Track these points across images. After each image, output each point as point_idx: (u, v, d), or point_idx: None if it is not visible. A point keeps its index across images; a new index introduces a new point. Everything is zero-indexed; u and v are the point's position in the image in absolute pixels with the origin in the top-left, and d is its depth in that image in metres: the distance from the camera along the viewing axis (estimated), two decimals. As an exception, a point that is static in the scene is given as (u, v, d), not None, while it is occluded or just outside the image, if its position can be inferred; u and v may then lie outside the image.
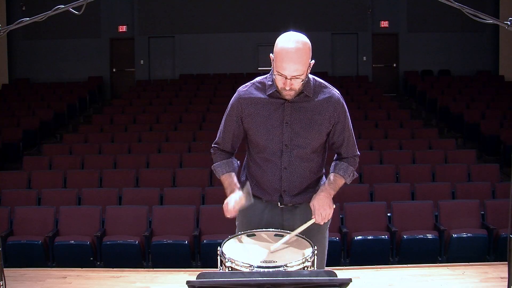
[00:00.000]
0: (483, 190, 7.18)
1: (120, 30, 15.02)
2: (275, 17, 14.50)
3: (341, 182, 2.67)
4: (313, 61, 2.49)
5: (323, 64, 14.68)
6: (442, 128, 11.48)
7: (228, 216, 2.53)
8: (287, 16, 14.52)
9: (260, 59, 14.50)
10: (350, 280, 1.96)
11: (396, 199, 6.84)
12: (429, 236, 6.17)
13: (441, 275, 4.49)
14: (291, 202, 2.66)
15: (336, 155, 2.76)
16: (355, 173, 2.72)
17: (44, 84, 14.33)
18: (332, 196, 2.59)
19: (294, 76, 2.42)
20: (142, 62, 15.07)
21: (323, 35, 14.68)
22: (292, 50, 2.39)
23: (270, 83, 2.57)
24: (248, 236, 2.55)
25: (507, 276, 2.91)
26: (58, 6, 2.67)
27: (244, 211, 2.71)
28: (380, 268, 4.84)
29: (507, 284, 2.91)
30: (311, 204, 2.56)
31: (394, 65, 15.29)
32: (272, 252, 2.39)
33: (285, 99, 2.55)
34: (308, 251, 2.36)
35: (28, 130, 10.65)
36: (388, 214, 6.49)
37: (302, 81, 2.46)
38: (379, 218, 6.43)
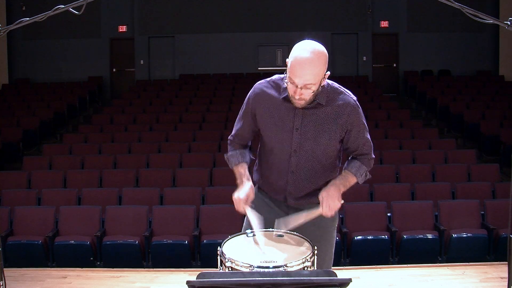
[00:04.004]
0: (483, 190, 7.18)
1: (120, 30, 15.01)
2: (275, 17, 14.50)
3: (352, 180, 2.66)
4: (328, 72, 2.46)
5: (323, 64, 14.66)
6: (442, 128, 11.48)
7: (238, 210, 2.55)
8: (287, 16, 14.53)
9: (260, 59, 14.49)
10: (350, 280, 1.96)
11: (396, 199, 6.84)
12: (429, 236, 6.17)
13: (441, 275, 4.50)
14: (295, 204, 2.67)
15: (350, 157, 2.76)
16: (368, 173, 2.71)
17: (44, 84, 14.33)
18: (342, 192, 2.59)
19: (305, 85, 2.39)
20: (142, 62, 15.06)
21: (323, 35, 14.65)
22: (305, 60, 2.36)
23: (285, 86, 2.54)
24: (248, 236, 2.55)
25: (507, 276, 2.91)
26: (58, 6, 2.67)
27: (253, 202, 2.72)
28: (380, 268, 4.85)
29: (507, 284, 2.91)
30: (319, 195, 2.53)
31: (394, 65, 15.29)
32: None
33: None
34: (308, 251, 2.36)
35: (28, 130, 10.65)
36: (388, 214, 6.49)
37: (313, 92, 2.43)
38: (379, 218, 6.43)
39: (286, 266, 2.21)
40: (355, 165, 2.66)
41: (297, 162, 2.59)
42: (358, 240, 6.09)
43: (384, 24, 14.95)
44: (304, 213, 2.54)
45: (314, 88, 2.41)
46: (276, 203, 2.72)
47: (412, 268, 4.76)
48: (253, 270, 2.18)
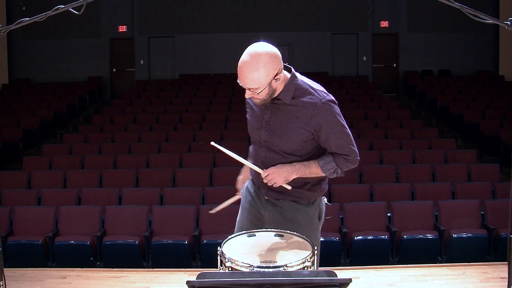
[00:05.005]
0: (483, 190, 7.18)
1: (120, 30, 15.02)
2: (275, 17, 14.51)
3: (316, 170, 2.63)
4: (281, 75, 2.50)
5: (323, 64, 14.68)
6: (442, 128, 11.48)
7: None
8: (287, 16, 14.53)
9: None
10: (350, 280, 1.96)
11: (396, 199, 6.83)
12: (429, 236, 6.16)
13: (441, 275, 4.49)
14: (266, 195, 2.74)
15: None
16: (339, 171, 2.64)
17: (44, 84, 14.34)
18: (296, 176, 2.60)
19: (248, 88, 2.49)
20: (142, 62, 15.07)
21: (323, 35, 14.68)
22: (243, 64, 2.46)
23: None
24: (248, 236, 2.56)
25: (507, 276, 2.91)
26: (58, 6, 2.67)
27: (243, 191, 2.91)
28: (380, 268, 4.83)
29: (507, 284, 2.91)
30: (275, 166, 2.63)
31: (394, 65, 15.30)
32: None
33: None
34: (308, 251, 2.36)
35: (28, 130, 10.65)
36: (388, 214, 6.49)
37: (262, 92, 2.49)
38: (379, 218, 6.43)
39: (286, 266, 2.21)
40: (326, 159, 2.63)
41: (265, 153, 2.68)
42: (358, 240, 6.09)
43: (384, 24, 14.95)
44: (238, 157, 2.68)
45: (260, 90, 2.48)
46: (257, 195, 2.81)
47: (412, 268, 4.75)
48: (253, 270, 2.18)
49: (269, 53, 2.46)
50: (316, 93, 2.57)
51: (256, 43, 2.52)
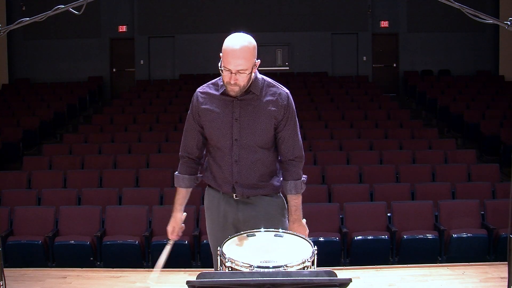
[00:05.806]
0: (483, 190, 7.18)
1: (120, 30, 15.01)
2: (275, 17, 14.50)
3: (299, 200, 2.81)
4: (258, 60, 2.68)
5: (323, 64, 14.67)
6: (442, 128, 11.48)
7: (172, 238, 3.05)
8: (287, 16, 14.53)
9: (260, 59, 14.48)
10: (350, 280, 1.96)
11: (396, 199, 6.83)
12: (429, 236, 6.17)
13: (441, 275, 4.49)
14: (242, 193, 2.78)
15: (279, 156, 2.85)
16: (304, 179, 2.83)
17: (44, 84, 14.33)
18: (301, 215, 2.80)
19: (239, 70, 2.59)
20: (142, 62, 15.06)
21: (323, 35, 14.68)
22: (236, 46, 2.59)
23: (222, 83, 2.77)
24: (248, 236, 2.56)
25: (507, 276, 2.91)
26: (58, 6, 2.68)
27: (206, 203, 2.99)
28: (380, 268, 4.84)
29: (507, 284, 2.91)
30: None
31: (394, 65, 15.29)
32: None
33: (236, 97, 2.71)
34: (309, 251, 2.36)
35: (28, 130, 10.65)
36: (388, 214, 6.49)
37: (247, 76, 2.61)
38: (379, 218, 6.43)
39: (286, 266, 2.21)
40: (291, 186, 2.80)
41: (238, 151, 2.74)
42: (358, 240, 6.09)
43: (384, 24, 14.95)
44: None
45: (247, 72, 2.61)
46: (226, 199, 2.84)
47: (412, 268, 4.75)
48: (253, 270, 2.18)
49: (254, 42, 2.67)
50: (278, 86, 2.79)
51: (236, 33, 2.67)
